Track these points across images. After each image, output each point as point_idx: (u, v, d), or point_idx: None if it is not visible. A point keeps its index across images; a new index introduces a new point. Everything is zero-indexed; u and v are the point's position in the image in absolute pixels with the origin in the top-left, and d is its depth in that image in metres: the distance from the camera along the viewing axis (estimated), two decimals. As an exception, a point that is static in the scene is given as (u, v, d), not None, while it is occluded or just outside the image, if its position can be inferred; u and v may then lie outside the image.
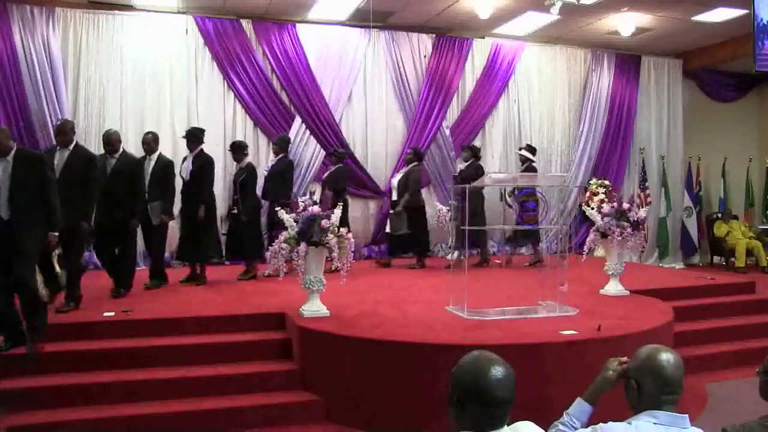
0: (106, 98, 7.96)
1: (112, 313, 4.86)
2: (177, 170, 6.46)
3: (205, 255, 6.50)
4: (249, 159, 7.16)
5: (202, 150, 6.50)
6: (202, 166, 6.38)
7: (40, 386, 4.03)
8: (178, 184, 6.48)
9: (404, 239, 7.65)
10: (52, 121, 7.58)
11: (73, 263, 5.13)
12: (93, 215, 5.23)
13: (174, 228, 6.76)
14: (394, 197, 7.81)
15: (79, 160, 5.06)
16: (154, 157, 6.19)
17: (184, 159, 6.60)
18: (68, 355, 4.32)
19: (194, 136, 6.53)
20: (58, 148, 5.15)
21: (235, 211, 6.75)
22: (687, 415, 1.77)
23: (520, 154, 8.43)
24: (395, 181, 7.88)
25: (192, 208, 6.30)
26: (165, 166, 6.19)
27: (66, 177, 4.90)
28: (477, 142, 9.61)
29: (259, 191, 7.27)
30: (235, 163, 7.16)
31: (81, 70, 7.90)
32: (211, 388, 4.23)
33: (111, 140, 5.69)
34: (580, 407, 1.98)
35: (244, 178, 6.83)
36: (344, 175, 7.85)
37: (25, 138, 7.45)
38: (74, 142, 5.19)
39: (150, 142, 6.26)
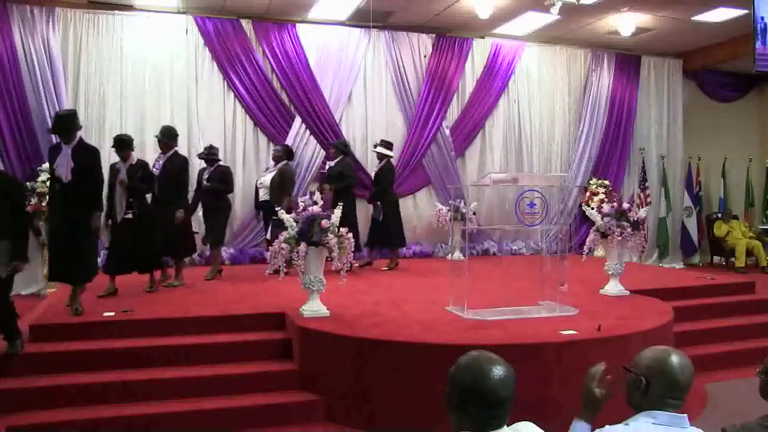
0: (106, 98, 7.97)
1: (112, 313, 4.86)
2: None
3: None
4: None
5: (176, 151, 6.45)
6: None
7: (40, 386, 4.03)
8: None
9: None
10: (52, 121, 7.59)
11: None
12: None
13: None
14: (262, 197, 7.23)
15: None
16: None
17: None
18: (68, 355, 4.31)
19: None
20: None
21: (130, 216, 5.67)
22: (686, 415, 1.76)
23: (376, 152, 7.93)
24: (266, 180, 7.21)
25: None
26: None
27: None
28: (477, 142, 9.65)
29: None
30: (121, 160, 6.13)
31: (81, 70, 7.91)
32: (211, 388, 4.23)
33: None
34: (579, 429, 1.90)
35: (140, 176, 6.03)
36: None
37: (25, 138, 7.46)
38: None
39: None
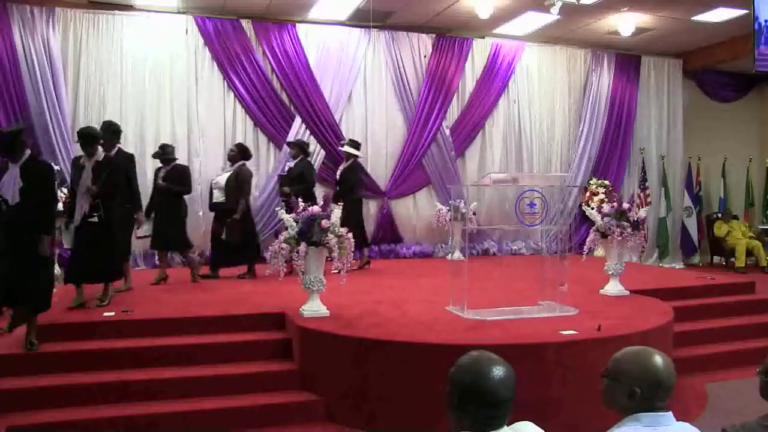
0: (106, 98, 7.97)
1: (112, 313, 4.86)
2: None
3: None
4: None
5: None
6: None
7: (40, 386, 4.03)
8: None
9: (233, 247, 6.68)
10: (52, 121, 7.61)
11: None
12: None
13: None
14: (218, 198, 6.86)
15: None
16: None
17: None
18: (68, 355, 4.32)
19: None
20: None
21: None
22: (670, 413, 1.75)
23: (344, 151, 7.73)
24: (221, 181, 6.85)
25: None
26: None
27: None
28: (477, 142, 9.65)
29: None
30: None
31: (81, 70, 7.91)
32: (211, 388, 4.23)
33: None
34: None
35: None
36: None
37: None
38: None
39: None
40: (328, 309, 4.72)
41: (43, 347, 4.35)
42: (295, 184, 6.95)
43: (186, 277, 6.65)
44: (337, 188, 7.53)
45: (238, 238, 6.63)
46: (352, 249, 4.71)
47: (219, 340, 4.64)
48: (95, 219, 5.06)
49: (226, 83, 8.47)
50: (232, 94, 8.51)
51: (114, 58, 8.01)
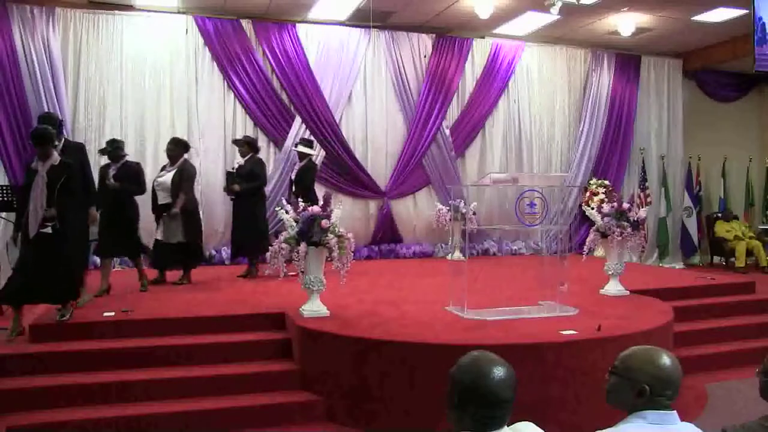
0: (106, 98, 7.97)
1: (112, 313, 4.86)
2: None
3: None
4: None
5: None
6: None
7: (40, 386, 4.03)
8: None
9: (174, 249, 6.29)
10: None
11: None
12: None
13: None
14: (162, 200, 6.33)
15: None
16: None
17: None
18: (68, 355, 4.31)
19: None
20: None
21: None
22: (675, 412, 1.76)
23: (297, 151, 7.47)
24: (166, 181, 6.34)
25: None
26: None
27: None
28: (477, 142, 9.65)
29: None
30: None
31: (81, 70, 7.91)
32: (211, 388, 4.23)
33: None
34: None
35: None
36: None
37: (25, 138, 7.44)
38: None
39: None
40: (328, 309, 4.72)
41: (43, 347, 4.35)
42: (246, 182, 6.78)
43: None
44: (293, 189, 7.24)
45: (180, 237, 6.22)
46: (352, 249, 4.71)
47: (219, 340, 4.64)
48: (48, 230, 4.46)
49: (226, 83, 8.47)
50: (232, 94, 8.51)
51: (114, 58, 8.01)
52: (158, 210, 6.37)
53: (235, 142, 7.40)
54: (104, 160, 6.26)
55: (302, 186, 7.15)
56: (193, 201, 6.53)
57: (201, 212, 7.23)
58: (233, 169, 7.14)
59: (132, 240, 5.95)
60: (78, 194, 4.76)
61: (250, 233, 6.87)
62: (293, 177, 7.40)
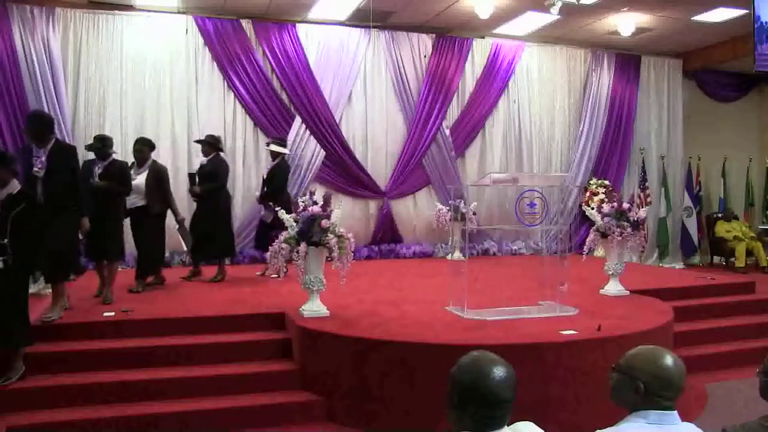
0: (106, 98, 7.97)
1: (112, 313, 4.86)
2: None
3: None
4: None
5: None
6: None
7: (40, 386, 4.03)
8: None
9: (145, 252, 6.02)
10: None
11: None
12: None
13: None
14: (135, 202, 5.91)
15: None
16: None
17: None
18: (68, 355, 4.31)
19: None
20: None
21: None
22: (676, 412, 1.76)
23: (270, 150, 7.27)
24: (140, 184, 5.93)
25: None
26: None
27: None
28: (477, 142, 9.65)
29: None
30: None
31: (81, 70, 7.91)
32: (211, 388, 4.23)
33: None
34: None
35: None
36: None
37: (25, 138, 7.45)
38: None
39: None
40: (328, 309, 4.73)
41: (43, 347, 4.34)
42: (207, 182, 6.59)
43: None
44: (264, 189, 7.10)
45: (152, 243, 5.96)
46: (352, 249, 4.71)
47: (219, 340, 4.64)
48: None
49: (226, 83, 8.47)
50: (232, 94, 8.51)
51: (114, 58, 8.01)
52: (129, 212, 5.92)
53: (198, 141, 7.06)
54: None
55: (273, 186, 7.00)
56: (164, 206, 6.16)
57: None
58: (194, 170, 7.00)
59: (114, 242, 5.48)
60: (41, 222, 4.26)
61: (208, 236, 6.54)
62: (264, 176, 7.23)
